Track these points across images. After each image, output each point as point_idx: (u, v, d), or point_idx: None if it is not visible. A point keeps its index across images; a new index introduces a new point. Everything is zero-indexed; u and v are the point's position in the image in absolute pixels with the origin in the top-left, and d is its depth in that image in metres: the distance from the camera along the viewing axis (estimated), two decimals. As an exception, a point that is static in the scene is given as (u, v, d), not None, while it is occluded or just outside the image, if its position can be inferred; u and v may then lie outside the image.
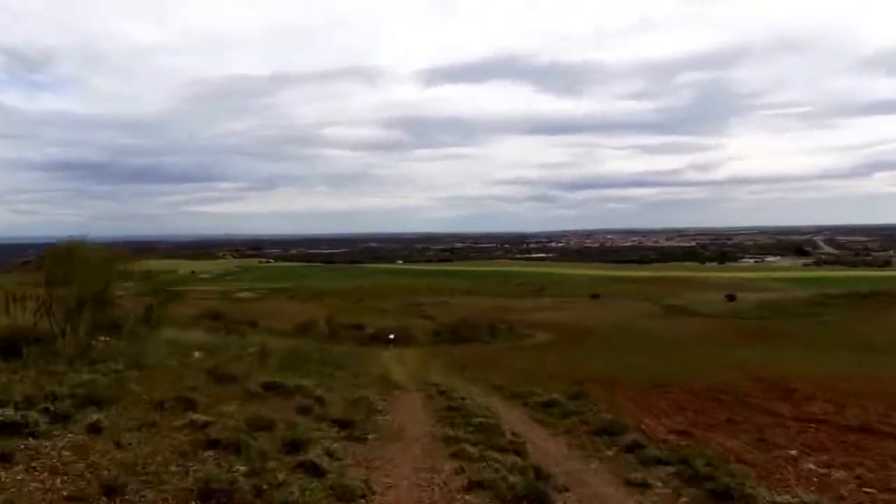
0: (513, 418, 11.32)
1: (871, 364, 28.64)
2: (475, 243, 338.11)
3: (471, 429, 9.17)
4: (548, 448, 8.79)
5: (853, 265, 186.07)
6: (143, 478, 4.82)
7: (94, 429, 5.78)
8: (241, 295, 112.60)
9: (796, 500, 6.22)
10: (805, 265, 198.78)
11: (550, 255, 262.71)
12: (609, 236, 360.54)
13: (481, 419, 9.77)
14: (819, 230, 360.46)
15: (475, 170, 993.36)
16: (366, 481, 5.74)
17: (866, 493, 7.20)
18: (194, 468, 5.22)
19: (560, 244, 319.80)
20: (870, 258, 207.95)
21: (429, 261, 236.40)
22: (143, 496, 4.54)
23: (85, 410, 6.31)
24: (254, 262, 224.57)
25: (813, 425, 12.22)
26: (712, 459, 8.01)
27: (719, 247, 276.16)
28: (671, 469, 7.72)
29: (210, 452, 5.56)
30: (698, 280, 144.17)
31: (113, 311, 11.69)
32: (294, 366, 14.95)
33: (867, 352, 38.79)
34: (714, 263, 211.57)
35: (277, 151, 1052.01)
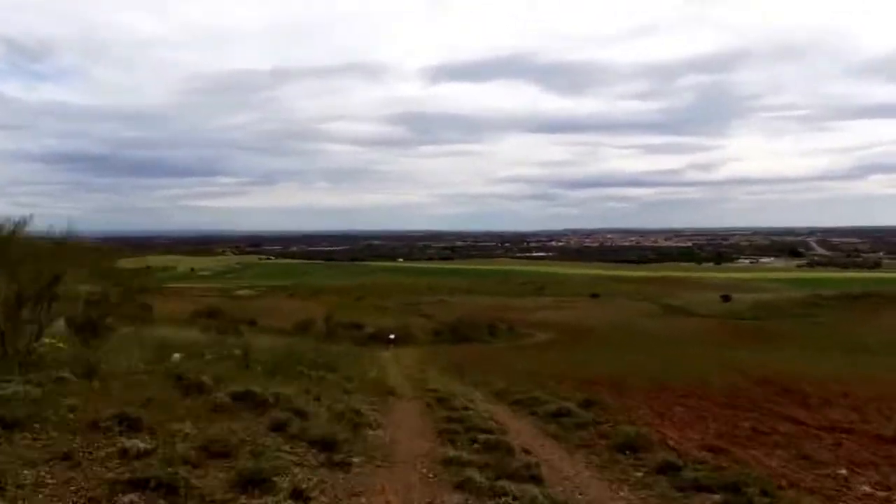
0: (522, 431, 9.94)
1: (868, 365, 27.97)
2: (476, 241, 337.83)
3: (476, 447, 7.80)
4: (566, 470, 7.39)
5: (845, 267, 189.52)
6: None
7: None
8: (241, 292, 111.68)
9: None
10: (798, 266, 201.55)
11: (550, 254, 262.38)
12: (609, 236, 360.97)
13: (487, 434, 8.35)
14: (813, 231, 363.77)
15: (477, 167, 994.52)
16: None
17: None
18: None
19: (560, 243, 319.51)
20: (860, 260, 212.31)
21: (430, 259, 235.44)
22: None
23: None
24: (254, 258, 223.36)
25: (843, 435, 11.13)
26: (765, 485, 6.68)
27: (715, 247, 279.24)
28: (717, 498, 6.37)
29: (131, 498, 4.14)
30: (695, 280, 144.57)
31: (66, 308, 10.23)
32: (281, 369, 13.58)
33: (862, 353, 38.41)
34: (710, 264, 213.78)
35: (278, 146, 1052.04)
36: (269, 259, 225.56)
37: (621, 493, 6.56)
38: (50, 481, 4.26)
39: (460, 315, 77.55)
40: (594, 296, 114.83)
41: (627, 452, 8.43)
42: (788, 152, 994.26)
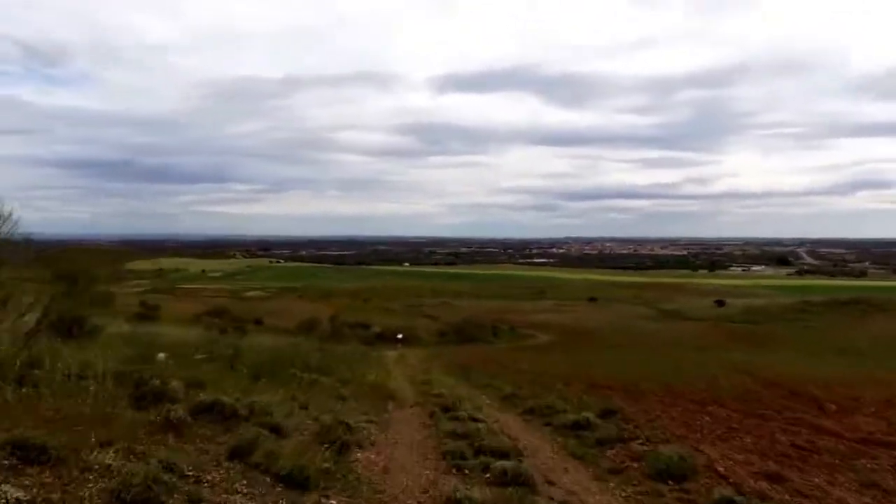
0: (539, 450, 8.13)
1: (864, 368, 26.23)
2: (481, 248, 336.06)
3: (488, 476, 6.05)
4: (602, 508, 5.65)
5: (832, 275, 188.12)
6: None
7: None
8: (251, 294, 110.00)
9: None
10: (788, 274, 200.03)
11: (552, 260, 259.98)
12: (608, 244, 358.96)
13: (501, 461, 6.55)
14: (802, 243, 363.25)
15: (483, 178, 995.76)
16: None
17: None
18: None
19: (561, 250, 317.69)
20: (847, 269, 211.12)
21: (435, 264, 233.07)
22: None
23: None
24: (264, 261, 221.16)
25: (883, 450, 9.40)
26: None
27: (709, 256, 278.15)
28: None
29: None
30: (690, 286, 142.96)
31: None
32: (270, 371, 11.87)
33: (853, 356, 37.24)
34: (704, 271, 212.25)
35: (289, 154, 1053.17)
36: (278, 262, 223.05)
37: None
38: None
39: (464, 316, 75.93)
40: (592, 299, 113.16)
41: (670, 482, 6.69)
42: (781, 169, 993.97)
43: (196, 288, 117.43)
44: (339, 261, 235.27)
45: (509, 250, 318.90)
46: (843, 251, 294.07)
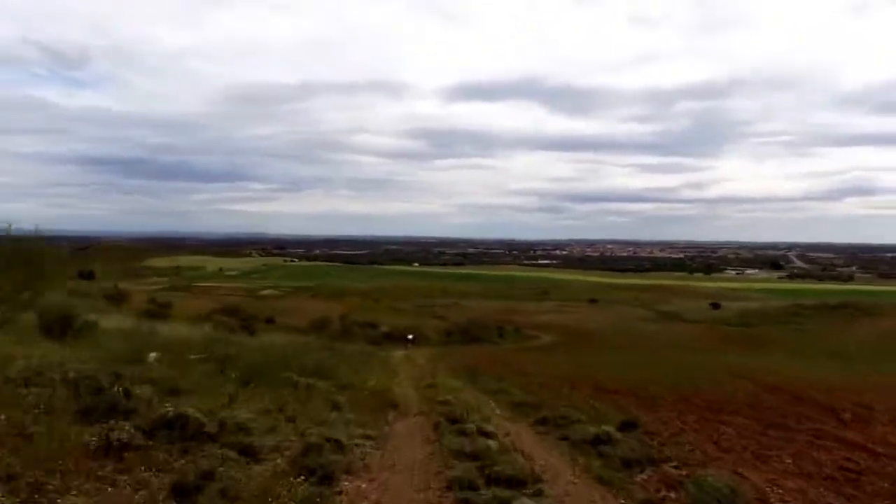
0: (559, 473, 6.72)
1: (859, 371, 24.92)
2: (487, 249, 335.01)
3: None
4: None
5: (821, 279, 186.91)
6: None
7: None
8: (266, 292, 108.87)
9: None
10: (780, 278, 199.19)
11: (555, 262, 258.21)
12: (609, 246, 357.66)
13: (519, 495, 5.17)
14: (793, 247, 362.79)
15: (490, 180, 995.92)
16: None
17: None
18: None
19: (564, 252, 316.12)
20: (835, 273, 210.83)
21: (444, 264, 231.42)
22: None
23: None
24: (279, 260, 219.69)
25: None
26: None
27: (705, 259, 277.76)
28: None
29: None
30: (687, 289, 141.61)
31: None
32: (265, 375, 10.54)
33: (845, 359, 36.05)
34: (700, 274, 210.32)
35: (305, 155, 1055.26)
36: (293, 261, 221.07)
37: None
38: None
39: (471, 317, 74.67)
40: (593, 301, 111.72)
41: (722, 519, 5.32)
42: (774, 175, 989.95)
43: (212, 286, 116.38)
44: (351, 260, 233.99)
45: (514, 251, 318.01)
46: (831, 256, 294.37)
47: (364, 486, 5.26)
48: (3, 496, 3.21)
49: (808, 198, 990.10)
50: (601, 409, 12.20)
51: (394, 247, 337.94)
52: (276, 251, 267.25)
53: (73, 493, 3.55)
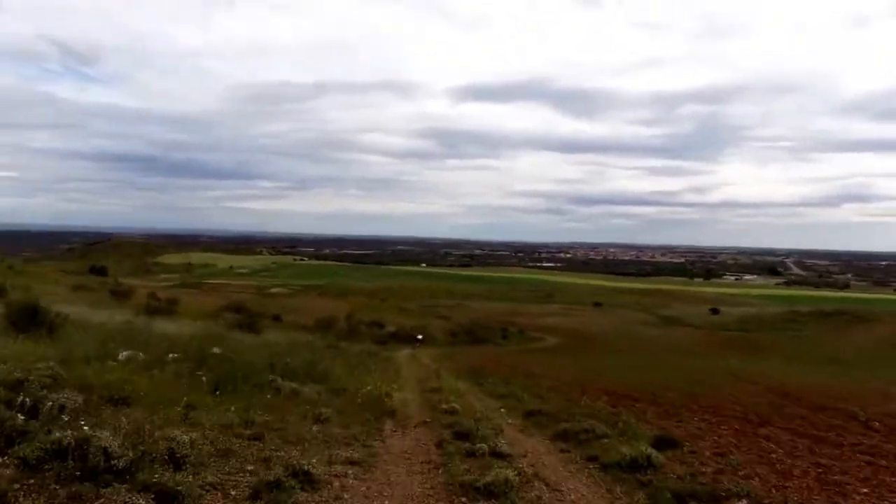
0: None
1: (860, 378, 23.66)
2: (493, 251, 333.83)
3: None
4: None
5: (817, 286, 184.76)
6: None
7: None
8: (275, 290, 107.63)
9: None
10: (777, 284, 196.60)
11: (559, 264, 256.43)
12: (611, 250, 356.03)
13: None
14: (790, 253, 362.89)
15: (496, 181, 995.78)
16: None
17: None
18: None
19: (568, 255, 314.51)
20: (832, 280, 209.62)
21: (450, 265, 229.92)
22: None
23: None
24: (289, 259, 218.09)
25: None
26: None
27: (705, 264, 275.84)
28: None
29: None
30: (687, 294, 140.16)
31: None
32: (245, 378, 8.92)
33: (844, 365, 35.35)
34: (700, 279, 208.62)
35: (315, 154, 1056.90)
36: (302, 260, 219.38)
37: None
38: None
39: (476, 318, 73.13)
40: (597, 304, 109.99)
41: None
42: (774, 179, 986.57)
43: (222, 283, 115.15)
44: (359, 260, 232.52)
45: (519, 253, 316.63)
46: (827, 263, 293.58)
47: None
48: None
49: (806, 203, 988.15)
50: (624, 419, 10.56)
51: (402, 248, 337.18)
52: (286, 249, 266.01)
53: None
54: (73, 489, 3.43)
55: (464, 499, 4.82)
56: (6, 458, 3.45)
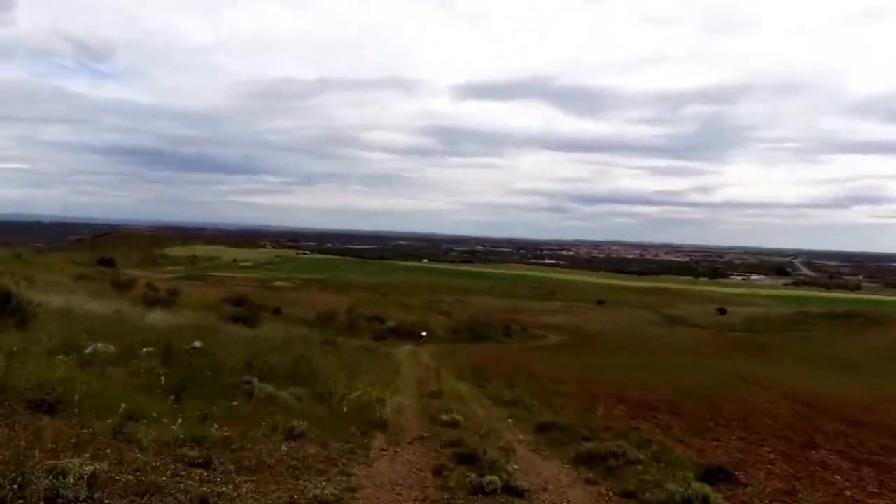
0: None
1: (875, 385, 23.60)
2: (495, 247, 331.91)
3: None
4: None
5: (828, 287, 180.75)
6: None
7: None
8: (278, 284, 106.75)
9: None
10: (786, 285, 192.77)
11: (561, 262, 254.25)
12: (615, 248, 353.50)
13: None
14: (798, 254, 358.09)
15: (498, 179, 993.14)
16: None
17: None
18: None
19: (570, 252, 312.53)
20: (842, 281, 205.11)
21: (451, 261, 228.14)
22: None
23: None
24: (292, 253, 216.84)
25: None
26: None
27: (711, 263, 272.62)
28: None
29: None
30: (693, 293, 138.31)
31: None
32: (213, 379, 7.66)
33: (857, 370, 34.80)
34: (706, 279, 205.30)
35: (319, 150, 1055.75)
36: (305, 254, 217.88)
37: None
38: None
39: (478, 314, 72.09)
40: (600, 302, 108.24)
41: None
42: (780, 180, 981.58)
43: (226, 276, 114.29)
44: (362, 254, 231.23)
45: (521, 250, 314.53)
46: (837, 264, 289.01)
47: None
48: None
49: (814, 205, 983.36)
50: (652, 437, 9.20)
51: (404, 243, 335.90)
52: (289, 243, 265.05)
53: None
54: None
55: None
56: None
